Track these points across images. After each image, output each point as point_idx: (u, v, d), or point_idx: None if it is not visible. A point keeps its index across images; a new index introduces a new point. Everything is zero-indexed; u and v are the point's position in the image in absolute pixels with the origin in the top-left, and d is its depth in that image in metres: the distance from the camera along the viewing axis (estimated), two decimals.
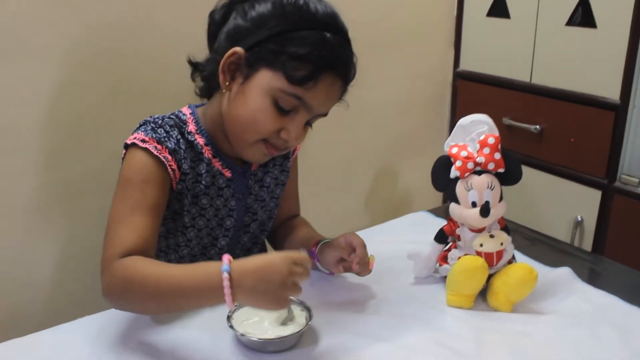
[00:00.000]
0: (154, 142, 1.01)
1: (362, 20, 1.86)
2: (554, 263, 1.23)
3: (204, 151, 1.08)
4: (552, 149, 1.86)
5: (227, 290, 0.84)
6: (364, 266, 1.09)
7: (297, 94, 0.98)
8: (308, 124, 1.06)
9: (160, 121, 1.05)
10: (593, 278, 1.24)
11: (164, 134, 1.03)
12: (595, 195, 1.78)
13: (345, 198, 2.01)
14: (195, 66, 1.09)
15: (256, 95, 1.00)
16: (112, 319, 1.02)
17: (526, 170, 1.12)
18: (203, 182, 1.08)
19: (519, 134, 1.92)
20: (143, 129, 1.04)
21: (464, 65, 2.10)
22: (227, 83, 1.03)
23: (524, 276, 1.06)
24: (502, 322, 1.05)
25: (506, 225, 1.13)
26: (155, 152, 1.01)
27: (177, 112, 1.10)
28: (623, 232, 1.74)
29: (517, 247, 1.17)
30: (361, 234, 1.35)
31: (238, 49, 1.00)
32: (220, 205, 1.12)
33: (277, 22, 0.98)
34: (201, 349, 0.95)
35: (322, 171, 1.93)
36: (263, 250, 1.29)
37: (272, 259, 0.86)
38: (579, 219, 1.83)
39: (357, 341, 0.98)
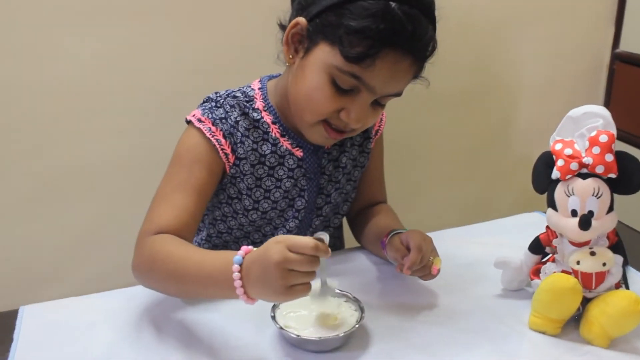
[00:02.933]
0: (209, 123, 1.00)
1: None
2: None
3: (270, 130, 1.03)
4: None
5: (237, 283, 0.78)
6: (422, 270, 0.98)
7: (355, 73, 0.90)
8: (378, 104, 0.97)
9: (222, 100, 1.03)
10: None
11: (222, 115, 1.01)
12: None
13: (465, 190, 1.88)
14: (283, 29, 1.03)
15: (314, 71, 0.93)
16: (159, 295, 1.01)
17: None
18: (267, 162, 1.04)
19: None
20: (202, 107, 1.02)
21: (625, 46, 1.85)
22: (290, 56, 0.97)
23: (627, 307, 0.89)
24: (592, 358, 0.89)
25: (618, 242, 0.96)
26: (208, 134, 0.99)
27: (245, 88, 1.06)
28: None
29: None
30: (460, 231, 1.27)
31: (301, 19, 0.94)
32: (290, 187, 1.06)
33: None
34: (243, 337, 0.91)
35: (441, 158, 1.82)
36: (336, 234, 1.22)
37: (269, 243, 0.78)
38: None
39: (408, 354, 0.88)
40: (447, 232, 1.26)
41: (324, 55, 0.92)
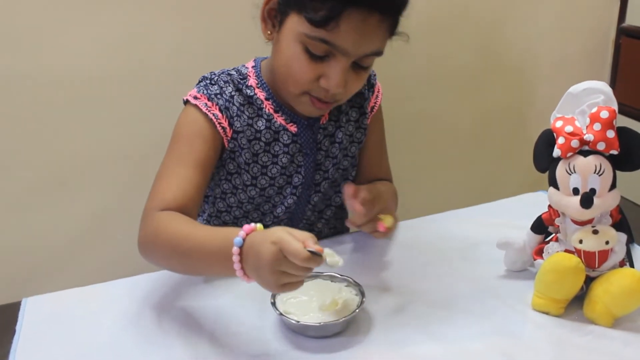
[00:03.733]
0: (205, 98, 1.02)
1: None
2: None
3: (264, 106, 1.05)
4: None
5: (236, 265, 0.79)
6: (369, 226, 0.98)
7: (323, 38, 0.91)
8: (360, 67, 0.97)
9: (216, 77, 1.05)
10: None
11: (217, 90, 1.03)
12: None
13: (472, 170, 1.86)
14: None
15: (288, 43, 0.96)
16: (160, 280, 1.02)
17: None
18: (263, 138, 1.05)
19: None
20: (198, 86, 1.04)
21: (632, 20, 1.83)
22: (268, 32, 1.00)
23: (630, 285, 0.88)
24: (596, 338, 0.88)
25: (622, 219, 0.95)
26: (204, 109, 1.01)
27: (239, 67, 1.08)
28: None
29: None
30: (464, 212, 1.26)
31: None
32: (286, 162, 1.08)
33: None
34: (244, 323, 0.92)
35: (447, 138, 1.81)
36: (338, 214, 1.22)
37: (266, 238, 0.77)
38: None
39: (411, 337, 0.88)
40: (450, 213, 1.26)
41: (294, 25, 0.94)
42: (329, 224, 1.21)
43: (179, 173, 0.97)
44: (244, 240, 0.79)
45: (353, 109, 1.13)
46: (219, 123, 1.02)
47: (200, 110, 1.01)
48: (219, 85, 1.04)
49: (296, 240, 0.75)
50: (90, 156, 1.45)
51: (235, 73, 1.06)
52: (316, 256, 0.75)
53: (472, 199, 1.34)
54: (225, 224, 1.14)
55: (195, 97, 1.03)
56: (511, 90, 1.83)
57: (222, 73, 1.06)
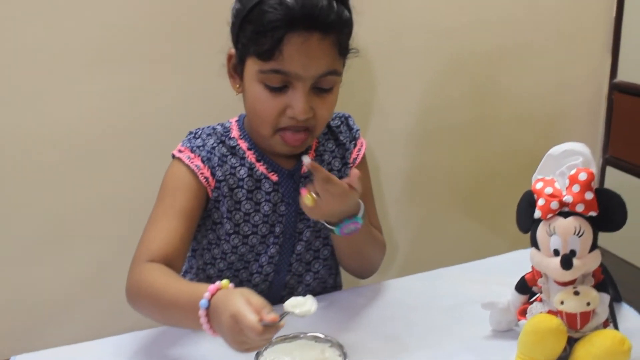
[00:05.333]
0: (188, 151, 1.09)
1: (498, 19, 1.74)
2: None
3: (246, 155, 1.11)
4: None
5: (205, 326, 0.85)
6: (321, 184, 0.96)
7: (274, 68, 0.99)
8: (321, 90, 1.03)
9: (200, 132, 1.13)
10: None
11: (199, 143, 1.10)
12: None
13: (466, 225, 1.88)
14: None
15: (249, 86, 1.04)
16: (148, 338, 1.04)
17: None
18: (245, 186, 1.10)
19: None
20: (183, 140, 1.12)
21: (623, 76, 1.86)
22: (237, 86, 1.08)
23: (611, 347, 0.89)
24: None
25: (604, 280, 0.96)
26: (187, 161, 1.08)
27: (223, 122, 1.16)
28: None
29: (635, 300, 1.01)
30: (454, 270, 1.28)
31: (231, 50, 1.07)
32: (269, 211, 1.12)
33: (237, 9, 1.03)
34: None
35: (440, 193, 1.83)
36: (328, 269, 1.23)
37: (226, 308, 0.81)
38: None
39: None
40: (440, 271, 1.27)
41: (251, 68, 1.02)
42: (319, 277, 1.22)
43: (163, 225, 1.04)
44: (209, 301, 0.84)
45: (335, 159, 1.17)
46: (201, 173, 1.07)
47: (184, 162, 1.08)
48: (202, 138, 1.11)
49: (251, 312, 0.79)
50: (84, 212, 1.48)
51: (219, 127, 1.14)
52: (271, 327, 0.79)
53: (468, 254, 1.35)
54: (209, 278, 1.17)
55: (180, 151, 1.10)
56: (508, 145, 1.86)
57: (207, 127, 1.13)
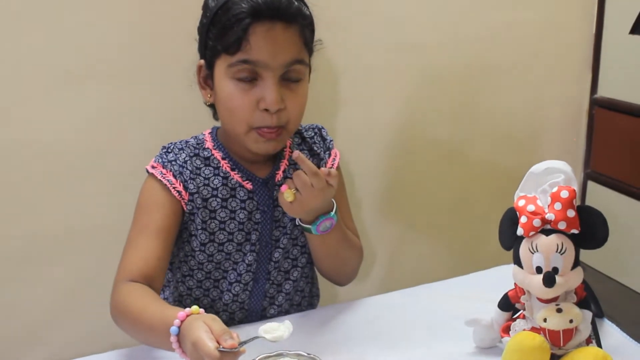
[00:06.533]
0: (160, 167, 1.12)
1: (477, 36, 1.76)
2: None
3: (220, 165, 1.14)
4: None
5: (178, 350, 0.89)
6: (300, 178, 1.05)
7: (242, 59, 1.03)
8: (290, 80, 1.07)
9: (172, 146, 1.15)
10: None
11: (171, 158, 1.12)
12: None
13: (449, 241, 1.89)
14: None
15: (220, 87, 1.07)
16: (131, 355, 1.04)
17: None
18: (219, 195, 1.12)
19: None
20: (156, 156, 1.14)
21: (603, 92, 1.89)
22: (209, 96, 1.12)
23: None
24: None
25: (587, 297, 0.98)
26: (160, 177, 1.10)
27: (197, 135, 1.18)
28: None
29: (617, 316, 1.02)
30: (438, 286, 1.29)
31: (199, 61, 1.11)
32: (244, 219, 1.14)
33: (202, 22, 1.10)
34: None
35: (424, 210, 1.84)
36: (305, 275, 1.25)
37: (189, 335, 0.85)
38: None
39: None
40: (423, 287, 1.28)
41: (220, 67, 1.07)
42: (298, 286, 1.23)
43: (141, 244, 1.07)
44: (179, 328, 0.88)
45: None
46: (174, 188, 1.10)
47: (156, 178, 1.10)
48: (174, 153, 1.13)
49: (210, 339, 0.83)
50: (69, 229, 1.47)
51: (192, 140, 1.16)
52: (231, 353, 0.82)
53: (449, 271, 1.36)
54: (189, 289, 1.18)
55: (153, 167, 1.12)
56: (488, 161, 1.87)
57: (179, 142, 1.16)
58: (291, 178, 1.07)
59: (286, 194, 1.05)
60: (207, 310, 1.05)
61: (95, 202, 1.47)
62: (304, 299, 1.26)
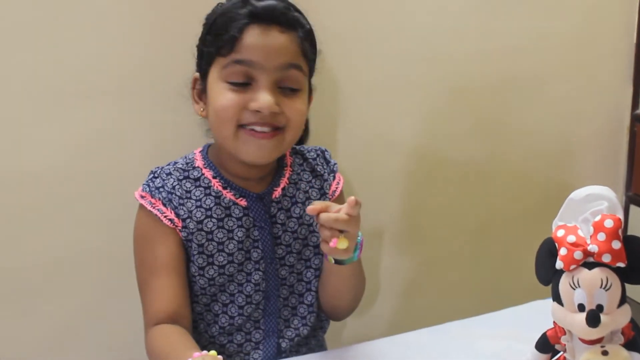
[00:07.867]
0: (149, 196, 1.12)
1: (500, 48, 1.69)
2: None
3: (212, 184, 1.13)
4: None
5: None
6: (324, 232, 1.01)
7: (235, 59, 1.05)
8: (287, 89, 1.08)
9: (159, 170, 1.15)
10: None
11: (159, 184, 1.12)
12: None
13: (475, 271, 1.82)
14: None
15: (213, 93, 1.08)
16: None
17: None
18: (214, 215, 1.12)
19: None
20: (144, 183, 1.14)
21: None
22: (202, 109, 1.13)
23: None
24: None
25: (634, 337, 0.90)
26: (150, 208, 1.11)
27: (187, 155, 1.19)
28: None
29: None
30: (467, 323, 1.23)
31: (195, 74, 1.14)
32: (242, 237, 1.13)
33: (202, 33, 1.12)
34: None
35: (447, 237, 1.77)
36: (317, 327, 1.23)
37: None
38: None
39: None
40: (453, 324, 1.22)
41: (214, 74, 1.08)
42: (312, 308, 1.20)
43: (155, 286, 1.08)
44: None
45: (313, 190, 1.20)
46: (165, 217, 1.10)
47: (147, 209, 1.11)
48: (161, 178, 1.13)
49: None
50: (61, 259, 1.41)
51: (181, 160, 1.16)
52: None
53: (475, 306, 1.30)
54: (199, 315, 1.16)
55: (142, 196, 1.12)
56: (518, 183, 1.80)
57: (168, 165, 1.16)
58: (296, 199, 1.14)
59: (340, 243, 1.00)
60: (223, 330, 1.12)
61: (85, 231, 1.41)
62: (317, 323, 1.24)
